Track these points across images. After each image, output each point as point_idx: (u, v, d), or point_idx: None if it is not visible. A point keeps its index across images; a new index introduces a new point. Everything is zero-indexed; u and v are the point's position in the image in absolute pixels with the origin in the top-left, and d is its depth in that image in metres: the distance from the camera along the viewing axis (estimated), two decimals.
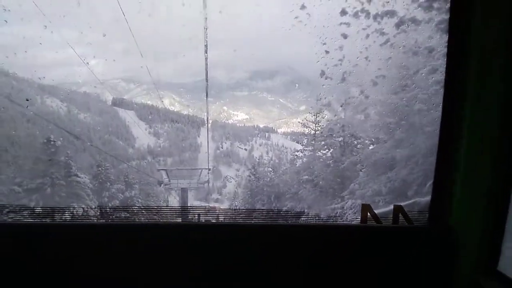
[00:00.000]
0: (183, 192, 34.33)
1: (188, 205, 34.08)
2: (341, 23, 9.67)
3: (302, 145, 26.51)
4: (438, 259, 2.34)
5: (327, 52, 10.85)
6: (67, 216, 2.92)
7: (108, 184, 31.14)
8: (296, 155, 26.56)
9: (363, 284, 2.34)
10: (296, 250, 2.28)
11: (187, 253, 2.21)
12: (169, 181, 34.82)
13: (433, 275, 2.36)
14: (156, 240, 2.21)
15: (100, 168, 31.71)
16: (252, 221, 2.67)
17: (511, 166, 2.07)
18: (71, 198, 25.38)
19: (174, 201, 46.15)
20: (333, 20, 10.10)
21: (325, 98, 14.30)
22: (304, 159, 25.23)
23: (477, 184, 2.22)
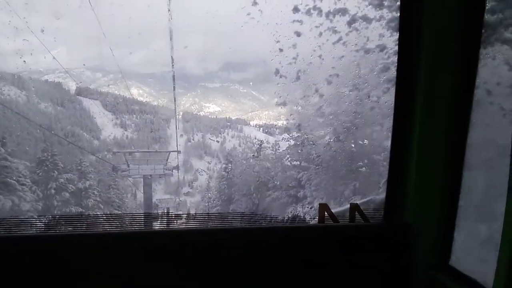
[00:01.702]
0: (146, 180, 27.35)
1: (153, 198, 30.82)
2: (294, 21, 9.73)
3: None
4: (394, 255, 2.41)
5: (281, 50, 10.72)
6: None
7: (56, 173, 25.53)
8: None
9: (321, 283, 2.35)
10: (257, 252, 2.29)
11: (157, 261, 2.15)
12: (128, 166, 27.54)
13: (389, 271, 2.42)
14: (126, 248, 2.14)
15: (45, 154, 25.91)
16: (208, 226, 2.63)
17: (462, 162, 2.17)
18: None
19: (134, 193, 40.67)
20: (285, 18, 9.96)
21: (280, 96, 14.22)
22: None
23: (430, 181, 2.30)
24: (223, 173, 32.73)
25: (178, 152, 33.11)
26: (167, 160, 29.86)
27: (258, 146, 28.87)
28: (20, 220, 2.45)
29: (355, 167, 15.88)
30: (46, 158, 25.53)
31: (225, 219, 2.93)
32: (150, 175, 27.24)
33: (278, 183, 22.98)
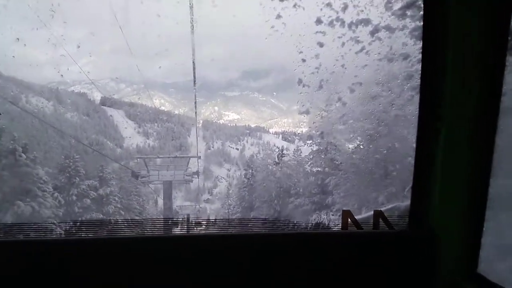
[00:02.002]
0: (166, 186, 26.58)
1: (173, 204, 30.01)
2: (316, 32, 9.83)
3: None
4: (419, 263, 2.35)
5: (303, 60, 10.91)
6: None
7: (77, 179, 25.43)
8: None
9: None
10: (278, 259, 2.26)
11: (177, 266, 2.17)
12: (148, 172, 26.62)
13: (414, 279, 2.36)
14: (146, 253, 2.15)
15: (68, 160, 25.64)
16: (231, 231, 2.65)
17: (488, 169, 2.11)
18: (18, 194, 20.97)
19: (155, 200, 41.37)
20: (308, 29, 10.16)
21: (303, 105, 14.39)
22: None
23: (456, 188, 2.23)
24: (244, 179, 32.63)
25: (199, 157, 32.09)
26: (187, 166, 29.35)
27: (279, 152, 28.63)
28: (40, 226, 2.62)
29: (384, 173, 15.82)
30: (68, 165, 25.55)
31: (246, 225, 2.91)
32: (170, 181, 26.75)
33: (300, 190, 22.87)
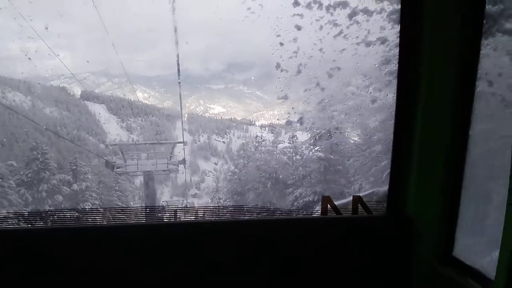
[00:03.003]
0: (147, 178, 22.68)
1: (159, 199, 28.30)
2: (294, 14, 9.60)
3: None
4: (397, 247, 2.41)
5: (281, 44, 10.68)
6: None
7: (47, 173, 23.23)
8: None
9: (325, 274, 2.37)
10: (260, 244, 2.31)
11: (165, 253, 2.19)
12: (125, 162, 22.57)
13: (392, 263, 2.42)
14: (133, 241, 2.17)
15: (35, 152, 23.20)
16: (213, 218, 2.67)
17: (464, 154, 2.16)
18: None
19: (141, 196, 37.91)
20: (286, 12, 9.90)
21: (281, 90, 14.22)
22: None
23: (432, 173, 2.30)
24: (235, 170, 31.40)
25: (185, 143, 27.70)
26: (171, 154, 25.56)
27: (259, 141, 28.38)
28: (29, 214, 2.49)
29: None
30: (36, 157, 23.24)
31: (225, 212, 2.91)
32: (152, 172, 22.72)
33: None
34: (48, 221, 2.50)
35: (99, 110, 72.70)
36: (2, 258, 2.04)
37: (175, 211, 2.89)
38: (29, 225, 2.36)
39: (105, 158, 27.35)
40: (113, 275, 2.13)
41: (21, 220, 2.39)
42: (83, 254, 2.11)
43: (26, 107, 47.08)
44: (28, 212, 2.71)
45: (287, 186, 24.22)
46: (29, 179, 23.52)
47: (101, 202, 26.54)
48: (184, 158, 26.81)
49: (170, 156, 24.69)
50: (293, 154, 24.82)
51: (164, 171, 23.66)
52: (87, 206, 25.00)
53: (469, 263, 2.09)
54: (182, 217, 2.88)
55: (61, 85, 66.87)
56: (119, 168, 22.66)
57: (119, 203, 29.47)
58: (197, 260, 2.24)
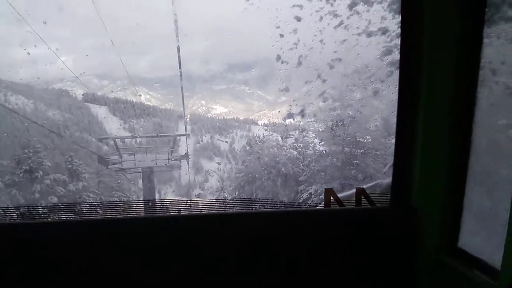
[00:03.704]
0: (146, 176, 19.96)
1: (157, 196, 25.39)
2: (293, 5, 9.63)
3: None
4: (401, 238, 2.41)
5: (281, 35, 10.66)
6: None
7: (40, 173, 21.54)
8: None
9: (330, 266, 2.38)
10: (263, 236, 2.32)
11: (168, 247, 2.18)
12: (120, 157, 20.31)
13: (397, 255, 2.42)
14: (136, 234, 2.17)
15: (26, 151, 21.60)
16: (217, 212, 2.67)
17: (468, 144, 2.14)
18: None
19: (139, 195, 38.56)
20: (285, 3, 9.86)
21: (282, 82, 14.17)
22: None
23: (436, 164, 2.29)
24: (241, 166, 29.83)
25: (187, 135, 25.15)
26: (172, 148, 23.01)
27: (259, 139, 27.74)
28: (27, 208, 2.46)
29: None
30: (28, 156, 21.70)
31: (229, 205, 2.92)
32: (151, 168, 20.06)
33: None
34: (44, 215, 2.50)
35: (101, 112, 72.89)
36: None
37: (179, 210, 2.87)
38: (25, 219, 2.34)
39: (97, 153, 25.31)
40: (110, 269, 2.14)
41: (17, 214, 2.39)
42: (80, 249, 2.11)
43: (29, 110, 47.29)
44: (24, 206, 2.70)
45: (298, 183, 23.87)
46: (27, 176, 22.36)
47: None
48: (187, 152, 24.39)
49: (172, 150, 22.40)
50: (303, 149, 24.46)
51: (166, 166, 21.46)
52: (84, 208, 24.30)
53: (475, 254, 2.08)
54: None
55: (63, 88, 67.21)
56: (114, 164, 20.52)
57: (121, 205, 28.60)
58: (199, 253, 2.24)
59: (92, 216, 2.46)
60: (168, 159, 21.19)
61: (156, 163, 20.45)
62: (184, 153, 23.59)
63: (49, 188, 22.35)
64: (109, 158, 21.10)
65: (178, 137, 24.10)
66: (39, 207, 2.51)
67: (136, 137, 28.48)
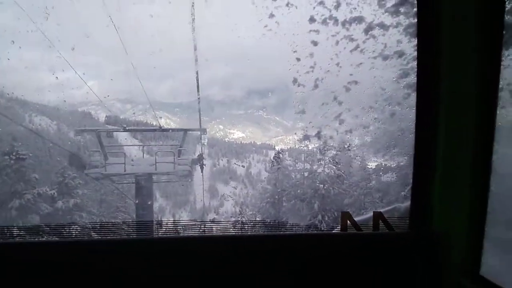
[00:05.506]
0: (141, 185, 14.11)
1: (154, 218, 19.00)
2: (310, 31, 9.76)
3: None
4: (420, 265, 2.31)
5: (298, 59, 10.81)
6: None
7: (20, 187, 18.09)
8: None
9: None
10: (278, 259, 2.25)
11: (169, 268, 2.12)
12: (104, 161, 14.24)
13: (416, 281, 2.32)
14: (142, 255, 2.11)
15: (6, 157, 17.69)
16: (233, 233, 2.65)
17: (489, 167, 2.06)
18: None
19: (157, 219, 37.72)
20: (302, 28, 10.07)
21: (299, 105, 14.28)
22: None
23: (456, 188, 2.19)
24: (267, 187, 28.50)
25: (203, 131, 17.19)
26: (181, 147, 16.16)
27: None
28: (32, 228, 2.46)
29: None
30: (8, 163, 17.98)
31: (244, 228, 2.92)
32: (150, 175, 14.08)
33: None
34: (55, 234, 2.48)
35: (121, 134, 74.53)
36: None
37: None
38: (20, 239, 2.32)
39: (68, 150, 19.42)
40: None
41: (13, 234, 2.35)
42: (76, 269, 2.06)
43: (52, 131, 48.72)
44: (18, 226, 2.71)
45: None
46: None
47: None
48: (202, 155, 17.30)
49: (179, 151, 15.38)
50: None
51: (169, 174, 15.06)
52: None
53: (497, 283, 1.98)
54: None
55: (87, 111, 69.24)
56: (95, 168, 14.00)
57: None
58: (213, 276, 2.19)
59: (88, 235, 2.41)
60: (174, 163, 14.60)
61: (156, 168, 14.44)
62: (196, 156, 16.87)
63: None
64: (89, 161, 14.81)
65: (187, 132, 16.75)
66: (45, 226, 2.50)
67: (128, 130, 22.25)
